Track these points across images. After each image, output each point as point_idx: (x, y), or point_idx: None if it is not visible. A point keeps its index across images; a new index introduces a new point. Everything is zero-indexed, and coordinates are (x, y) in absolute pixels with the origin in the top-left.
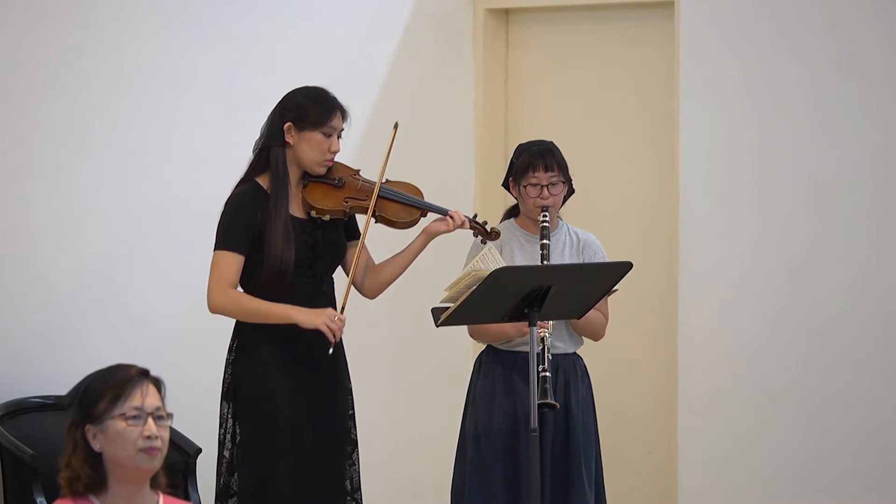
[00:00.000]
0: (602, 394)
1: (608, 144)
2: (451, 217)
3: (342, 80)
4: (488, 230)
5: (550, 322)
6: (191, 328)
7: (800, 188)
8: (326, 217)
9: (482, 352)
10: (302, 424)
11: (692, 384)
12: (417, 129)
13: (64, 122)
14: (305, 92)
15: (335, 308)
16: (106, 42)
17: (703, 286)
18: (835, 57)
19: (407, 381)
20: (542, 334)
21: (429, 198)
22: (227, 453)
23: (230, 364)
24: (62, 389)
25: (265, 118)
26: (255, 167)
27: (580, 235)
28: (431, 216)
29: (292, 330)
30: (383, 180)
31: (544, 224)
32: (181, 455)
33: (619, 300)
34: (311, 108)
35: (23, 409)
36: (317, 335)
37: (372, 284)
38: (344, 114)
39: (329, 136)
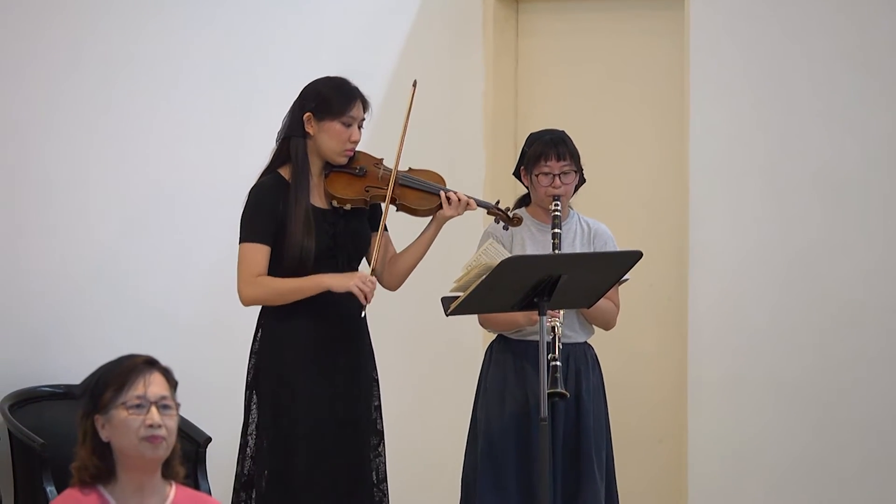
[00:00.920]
0: (613, 383)
1: (618, 134)
2: (448, 198)
3: (352, 71)
4: (510, 216)
5: (561, 311)
6: (204, 318)
7: (809, 179)
8: (348, 206)
9: (493, 341)
10: (325, 414)
11: (702, 373)
12: (428, 118)
13: (74, 114)
14: (325, 82)
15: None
16: (113, 37)
17: (713, 276)
18: (845, 48)
19: (418, 370)
20: (552, 323)
21: None
22: (249, 441)
23: (254, 353)
24: (73, 379)
25: (275, 109)
26: (277, 158)
27: (591, 225)
28: None
29: (316, 316)
30: (406, 168)
31: (556, 213)
32: (191, 444)
33: (630, 290)
34: (330, 98)
35: (33, 399)
36: (343, 316)
37: (390, 276)
38: (364, 104)
39: (349, 125)
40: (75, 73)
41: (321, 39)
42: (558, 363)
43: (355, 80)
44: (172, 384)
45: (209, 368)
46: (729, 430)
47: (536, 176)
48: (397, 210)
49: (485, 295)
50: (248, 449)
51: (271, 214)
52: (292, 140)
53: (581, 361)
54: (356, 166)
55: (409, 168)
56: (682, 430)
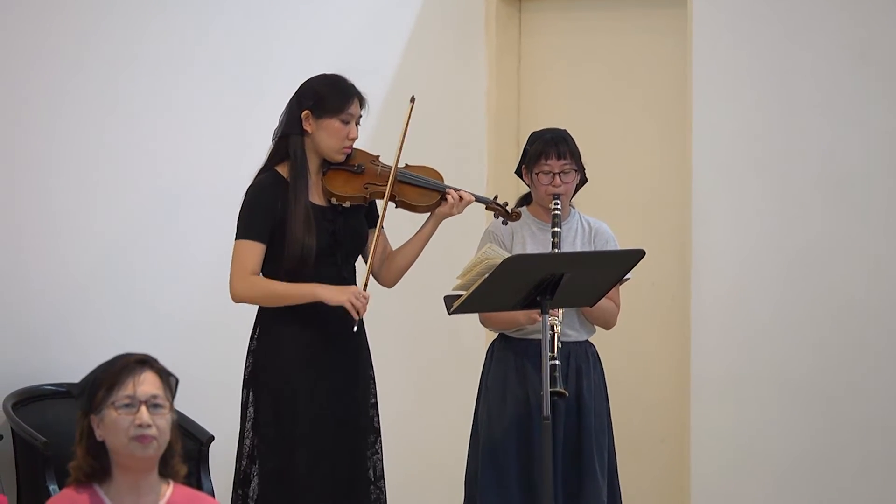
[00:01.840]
0: (615, 382)
1: (621, 132)
2: (447, 196)
3: (355, 68)
4: (509, 211)
5: (560, 310)
6: (204, 317)
7: (812, 177)
8: (347, 204)
9: (494, 340)
10: (322, 412)
11: (705, 372)
12: (430, 116)
13: (77, 114)
14: (322, 80)
15: None
16: (118, 34)
17: (716, 274)
18: (848, 44)
19: (418, 368)
20: (551, 322)
21: None
22: (247, 440)
23: (251, 352)
24: (75, 378)
25: (278, 108)
26: (275, 156)
27: (592, 224)
28: None
29: (314, 317)
30: (402, 165)
31: (556, 212)
32: (194, 443)
33: (632, 289)
34: (328, 96)
35: (36, 397)
36: (340, 317)
37: (387, 273)
38: (361, 101)
39: (347, 123)
40: (78, 73)
41: (324, 39)
42: (557, 362)
43: (358, 79)
44: (167, 383)
45: (212, 367)
46: (732, 429)
47: (537, 174)
48: (396, 207)
49: (487, 293)
50: (244, 447)
51: (269, 213)
52: (291, 138)
53: (582, 360)
54: (354, 163)
55: (407, 164)
56: (685, 429)
